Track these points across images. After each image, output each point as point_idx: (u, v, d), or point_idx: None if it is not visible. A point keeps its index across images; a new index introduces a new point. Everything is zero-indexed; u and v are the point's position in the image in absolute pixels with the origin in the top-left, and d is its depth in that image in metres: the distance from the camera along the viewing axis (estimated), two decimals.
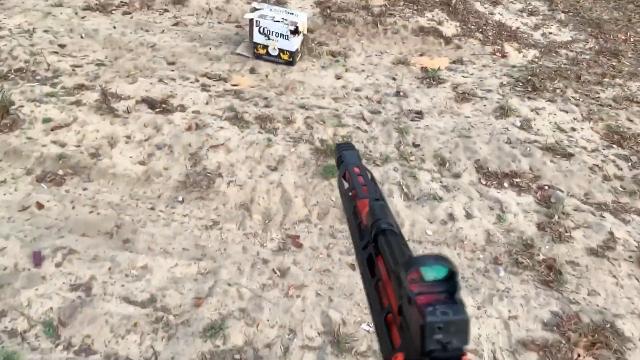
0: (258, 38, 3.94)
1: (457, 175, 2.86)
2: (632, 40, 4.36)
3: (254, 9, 4.04)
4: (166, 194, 2.72)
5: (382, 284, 0.47)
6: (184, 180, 2.76)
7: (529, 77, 3.79)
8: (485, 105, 3.50)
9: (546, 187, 2.80)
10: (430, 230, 2.53)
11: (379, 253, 0.49)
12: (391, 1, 4.79)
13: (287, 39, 3.87)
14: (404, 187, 2.75)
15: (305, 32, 4.13)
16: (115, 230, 2.48)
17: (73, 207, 2.61)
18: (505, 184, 2.82)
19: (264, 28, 3.89)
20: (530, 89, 3.66)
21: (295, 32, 3.85)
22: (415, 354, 0.38)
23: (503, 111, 3.40)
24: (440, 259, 0.40)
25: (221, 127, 3.12)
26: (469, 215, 2.59)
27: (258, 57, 4.01)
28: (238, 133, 3.09)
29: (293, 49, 3.91)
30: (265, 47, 3.96)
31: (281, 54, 3.96)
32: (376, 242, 0.50)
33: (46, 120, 3.09)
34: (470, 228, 2.53)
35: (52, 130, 3.04)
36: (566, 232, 2.51)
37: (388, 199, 2.68)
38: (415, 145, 3.04)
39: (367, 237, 0.52)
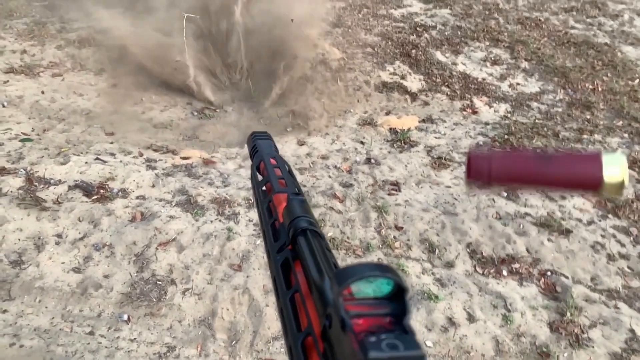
0: None
1: (450, 265, 2.50)
2: (600, 89, 4.23)
3: None
4: (108, 310, 2.21)
5: (301, 297, 0.36)
6: (129, 292, 2.26)
7: (506, 136, 3.54)
8: (465, 171, 3.20)
9: (549, 273, 2.49)
10: (430, 341, 2.14)
11: (298, 257, 0.39)
12: (349, 54, 4.50)
13: None
14: None
15: None
16: None
17: None
18: (504, 272, 2.49)
19: None
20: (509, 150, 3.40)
21: None
22: None
23: None
24: (385, 269, 0.30)
25: (171, 217, 2.65)
26: (471, 318, 2.22)
27: None
28: (192, 223, 2.63)
29: None
30: None
31: None
32: (294, 244, 0.40)
33: None
34: (475, 335, 2.16)
35: None
36: (583, 332, 2.19)
37: None
38: (399, 228, 2.68)
39: (284, 237, 0.42)
